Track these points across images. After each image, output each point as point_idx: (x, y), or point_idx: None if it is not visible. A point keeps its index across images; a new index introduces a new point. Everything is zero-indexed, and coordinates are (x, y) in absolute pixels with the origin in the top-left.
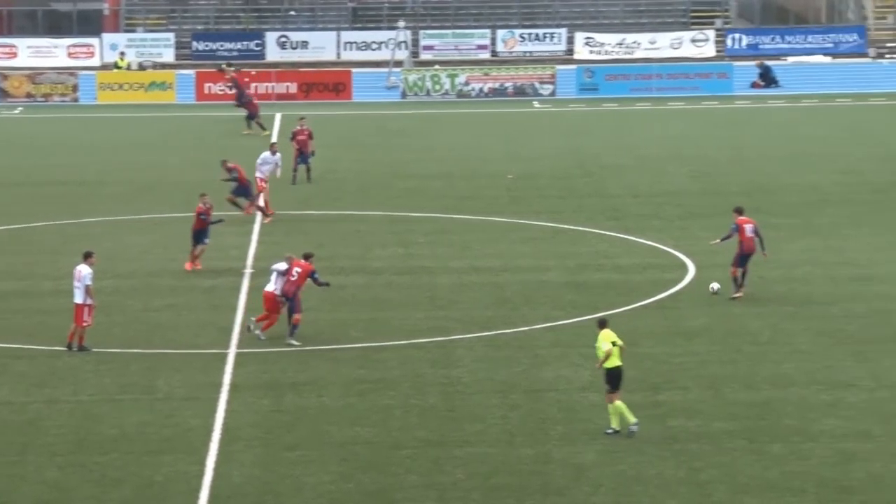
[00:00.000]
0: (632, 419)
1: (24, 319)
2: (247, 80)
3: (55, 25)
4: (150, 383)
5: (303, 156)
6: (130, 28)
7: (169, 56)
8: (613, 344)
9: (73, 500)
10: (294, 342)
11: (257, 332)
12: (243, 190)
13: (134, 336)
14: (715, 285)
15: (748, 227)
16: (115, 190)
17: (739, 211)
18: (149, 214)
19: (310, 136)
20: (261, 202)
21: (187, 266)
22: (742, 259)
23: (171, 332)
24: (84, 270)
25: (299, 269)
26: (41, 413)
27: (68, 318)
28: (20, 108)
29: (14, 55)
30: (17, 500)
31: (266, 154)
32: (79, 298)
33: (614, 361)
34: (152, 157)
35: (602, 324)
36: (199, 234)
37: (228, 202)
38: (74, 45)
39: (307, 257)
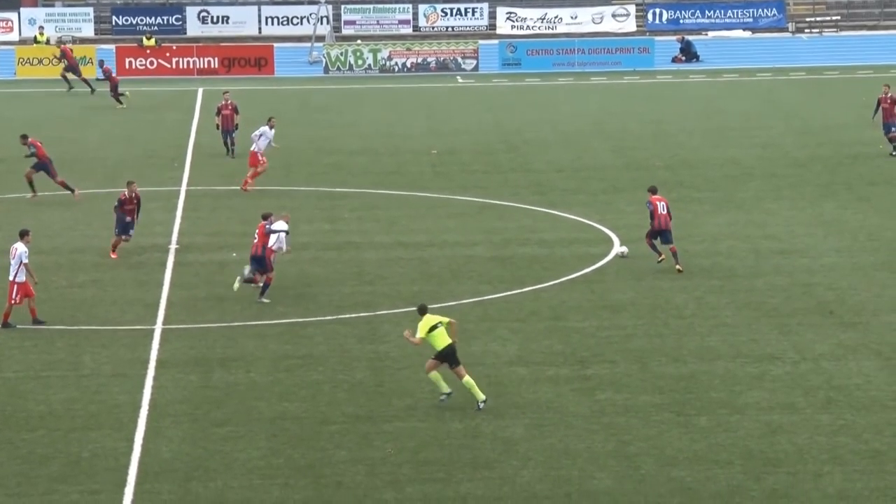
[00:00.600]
0: (480, 396)
1: None
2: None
3: None
4: (77, 360)
5: (226, 131)
6: (48, 2)
7: (88, 31)
8: (439, 324)
9: (0, 478)
10: (265, 300)
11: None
12: (42, 166)
13: (59, 313)
14: (623, 249)
15: (661, 205)
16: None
17: (653, 190)
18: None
19: (234, 111)
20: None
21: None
22: (654, 235)
23: (96, 308)
24: (20, 248)
25: (257, 231)
26: None
27: None
28: None
29: None
30: None
31: (264, 128)
32: (21, 277)
33: (445, 340)
34: (73, 133)
35: (422, 310)
36: (123, 224)
37: (26, 178)
38: None
39: (265, 217)
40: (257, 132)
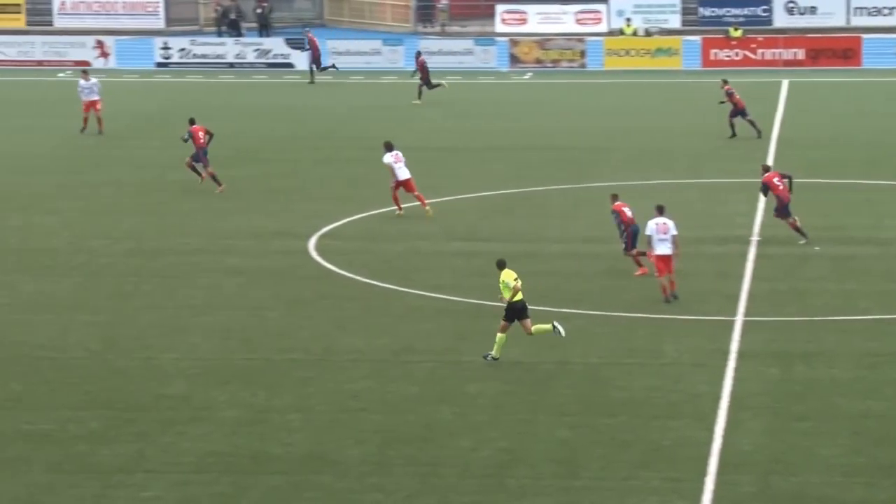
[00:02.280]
0: (496, 354)
1: (532, 281)
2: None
3: None
4: (657, 348)
5: (739, 111)
6: None
7: (675, 22)
8: (517, 278)
9: (582, 460)
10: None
11: None
12: (199, 156)
13: (639, 300)
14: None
15: (775, 179)
16: (621, 155)
17: (766, 168)
18: (655, 181)
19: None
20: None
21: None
22: (783, 210)
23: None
24: (669, 222)
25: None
26: (552, 373)
27: (577, 281)
28: (529, 74)
29: (524, 21)
30: (530, 456)
31: None
32: (666, 250)
33: (519, 295)
34: (657, 124)
35: (501, 265)
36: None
37: (187, 167)
38: (582, 12)
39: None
40: None
